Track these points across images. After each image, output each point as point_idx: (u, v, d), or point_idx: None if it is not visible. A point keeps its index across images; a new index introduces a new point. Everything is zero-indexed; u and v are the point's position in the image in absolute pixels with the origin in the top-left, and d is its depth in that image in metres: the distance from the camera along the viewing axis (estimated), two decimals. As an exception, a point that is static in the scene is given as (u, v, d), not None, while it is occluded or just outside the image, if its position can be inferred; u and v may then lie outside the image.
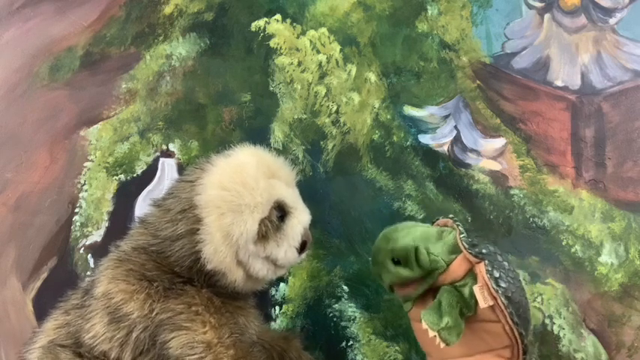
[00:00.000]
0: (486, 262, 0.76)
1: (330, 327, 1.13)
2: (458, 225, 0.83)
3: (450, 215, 0.87)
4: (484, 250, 0.78)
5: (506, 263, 0.78)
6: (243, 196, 0.79)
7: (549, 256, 1.09)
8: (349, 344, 1.11)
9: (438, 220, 0.89)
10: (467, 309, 0.77)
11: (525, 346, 0.78)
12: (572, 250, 1.09)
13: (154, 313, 0.78)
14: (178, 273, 0.81)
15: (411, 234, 0.82)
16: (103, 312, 0.80)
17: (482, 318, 0.77)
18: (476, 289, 0.75)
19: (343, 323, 1.13)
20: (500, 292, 0.74)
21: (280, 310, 1.16)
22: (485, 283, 0.75)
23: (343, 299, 1.14)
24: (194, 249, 0.79)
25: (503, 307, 0.75)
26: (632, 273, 1.06)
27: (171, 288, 0.80)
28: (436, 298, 0.78)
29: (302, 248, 0.88)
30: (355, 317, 1.13)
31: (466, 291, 0.77)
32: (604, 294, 1.05)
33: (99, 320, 0.80)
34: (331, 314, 1.14)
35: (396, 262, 0.81)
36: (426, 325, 0.74)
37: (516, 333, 0.76)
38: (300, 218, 0.87)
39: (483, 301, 0.74)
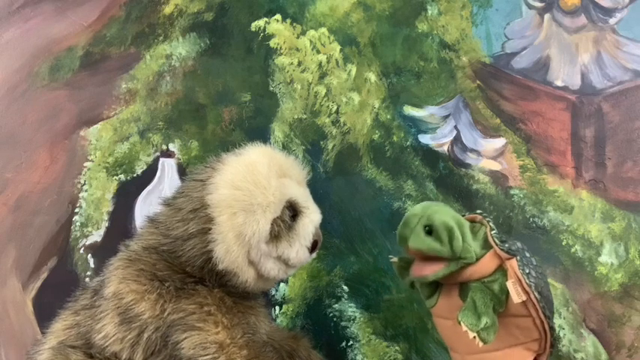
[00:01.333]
0: (518, 258, 0.77)
1: (330, 327, 1.13)
2: (489, 221, 0.83)
3: (479, 211, 0.87)
4: (514, 247, 0.78)
5: (533, 259, 0.79)
6: (255, 196, 0.78)
7: (549, 256, 1.09)
8: (349, 344, 1.11)
9: (465, 215, 0.89)
10: (499, 306, 0.77)
11: (554, 339, 0.78)
12: (572, 250, 1.09)
13: (166, 313, 0.77)
14: (190, 273, 0.81)
15: (450, 214, 0.81)
16: (113, 312, 0.79)
17: (512, 313, 0.78)
18: (509, 284, 0.75)
19: (343, 323, 1.13)
20: (532, 287, 0.75)
21: (280, 310, 1.16)
22: (518, 279, 0.75)
23: (343, 299, 1.14)
24: (205, 249, 0.79)
25: (535, 302, 0.75)
26: (632, 273, 1.06)
27: (182, 288, 0.80)
28: (469, 298, 0.77)
29: (313, 247, 0.87)
30: (355, 317, 1.13)
31: (496, 287, 0.77)
32: (604, 294, 1.05)
33: (110, 321, 0.79)
34: (331, 314, 1.14)
35: (428, 232, 0.79)
36: (465, 326, 0.74)
37: (547, 327, 0.77)
38: (312, 217, 0.86)
39: (517, 297, 0.74)
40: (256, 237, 0.78)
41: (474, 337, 0.73)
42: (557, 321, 1.05)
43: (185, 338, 0.77)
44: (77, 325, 0.84)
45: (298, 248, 0.84)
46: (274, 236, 0.81)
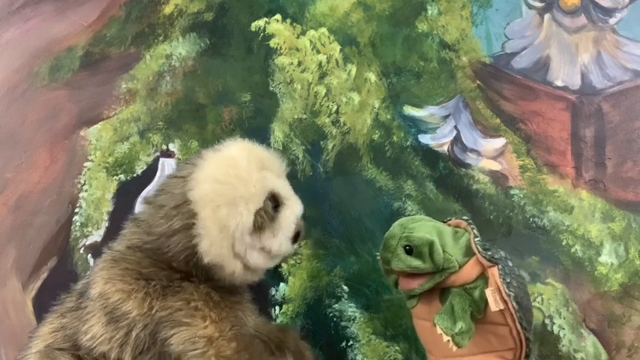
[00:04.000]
0: (499, 266, 0.77)
1: (330, 327, 1.13)
2: (473, 228, 0.83)
3: (464, 217, 0.87)
4: (496, 255, 0.79)
5: (516, 269, 0.80)
6: (237, 189, 0.79)
7: (549, 256, 1.09)
8: (349, 344, 1.11)
9: (450, 219, 0.89)
10: (477, 312, 0.77)
11: (529, 350, 0.79)
12: (572, 250, 1.09)
13: (154, 310, 0.78)
14: (176, 268, 0.81)
15: (428, 227, 0.82)
16: (100, 313, 0.80)
17: (490, 320, 0.78)
18: (488, 292, 0.76)
19: (343, 323, 1.13)
20: (511, 296, 0.76)
21: (280, 310, 1.16)
22: (497, 288, 0.76)
23: (343, 299, 1.14)
24: (190, 243, 0.79)
25: (513, 312, 0.76)
26: (632, 273, 1.06)
27: (169, 286, 0.80)
28: (447, 302, 0.78)
29: (295, 238, 0.88)
30: (355, 317, 1.13)
31: (476, 294, 0.78)
32: (604, 294, 1.05)
33: (97, 321, 0.80)
34: (331, 314, 1.14)
35: (408, 252, 0.81)
36: (440, 329, 0.74)
37: (523, 337, 0.77)
38: (293, 208, 0.88)
39: (495, 305, 0.75)
40: (240, 229, 0.79)
41: (448, 340, 0.74)
42: (557, 321, 1.05)
43: (174, 334, 0.77)
44: (63, 328, 0.84)
45: (281, 240, 0.85)
46: (257, 227, 0.81)
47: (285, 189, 0.88)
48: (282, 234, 0.85)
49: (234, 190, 0.79)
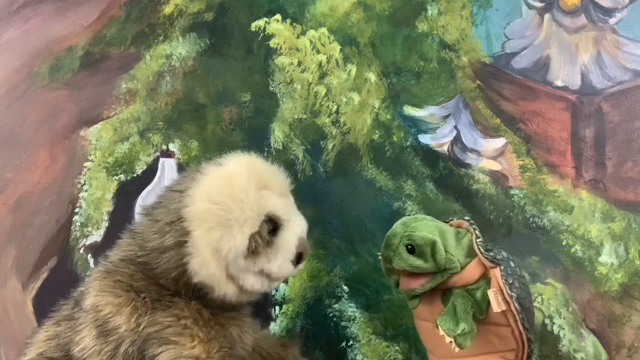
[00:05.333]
0: (502, 267, 0.77)
1: (330, 327, 1.13)
2: (475, 229, 0.83)
3: (466, 217, 0.87)
4: (499, 256, 0.79)
5: (518, 269, 0.80)
6: (232, 210, 0.76)
7: (549, 256, 1.09)
8: (349, 344, 1.11)
9: (452, 220, 0.89)
10: (479, 313, 0.77)
11: (531, 351, 0.79)
12: (572, 250, 1.09)
13: (141, 326, 0.77)
14: (164, 286, 0.80)
15: (430, 227, 0.82)
16: (91, 325, 0.79)
17: (492, 321, 0.78)
18: (490, 293, 0.76)
19: (343, 323, 1.13)
20: (514, 297, 0.76)
21: (280, 310, 1.16)
22: (500, 289, 0.76)
23: (343, 299, 1.14)
24: (181, 261, 0.77)
25: (515, 313, 0.76)
26: (632, 273, 1.06)
27: (159, 299, 0.79)
28: (450, 303, 0.78)
29: (298, 260, 0.84)
30: (355, 317, 1.13)
31: (478, 294, 0.78)
32: (604, 294, 1.05)
33: (88, 333, 0.79)
34: (331, 314, 1.14)
35: (410, 251, 0.80)
36: (443, 331, 0.74)
37: (525, 338, 0.78)
38: (294, 229, 0.83)
39: (497, 306, 0.75)
40: (233, 253, 0.76)
41: (451, 341, 0.74)
42: (557, 321, 1.05)
43: (161, 352, 0.76)
44: (57, 337, 0.84)
45: (280, 262, 0.81)
46: (252, 252, 0.78)
47: (286, 209, 0.83)
48: (282, 256, 0.81)
49: (228, 212, 0.76)
